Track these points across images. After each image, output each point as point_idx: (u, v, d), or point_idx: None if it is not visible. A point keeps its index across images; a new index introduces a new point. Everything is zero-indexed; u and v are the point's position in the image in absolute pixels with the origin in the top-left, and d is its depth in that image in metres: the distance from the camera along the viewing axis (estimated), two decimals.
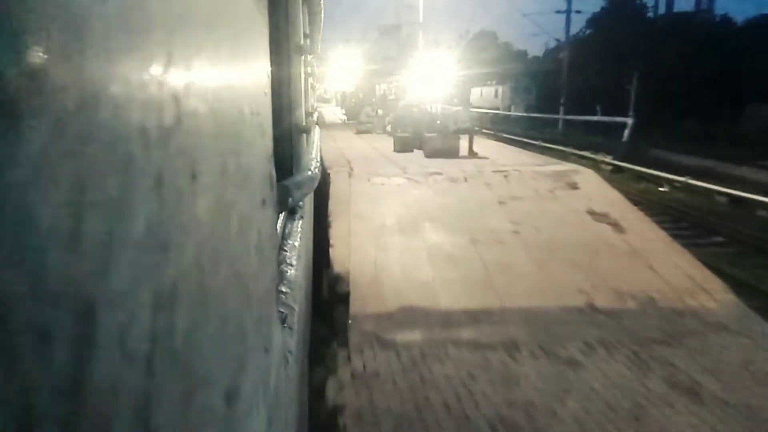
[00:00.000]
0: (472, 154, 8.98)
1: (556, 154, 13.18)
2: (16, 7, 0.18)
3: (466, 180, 6.29)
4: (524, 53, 49.33)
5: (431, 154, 8.72)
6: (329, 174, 6.31)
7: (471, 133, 9.18)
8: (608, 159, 13.83)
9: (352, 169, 6.93)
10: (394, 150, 9.62)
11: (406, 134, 10.17)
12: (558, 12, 26.06)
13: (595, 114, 20.97)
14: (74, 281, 0.22)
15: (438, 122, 9.99)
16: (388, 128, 14.54)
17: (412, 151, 9.64)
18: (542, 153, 11.39)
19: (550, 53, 43.23)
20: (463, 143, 9.24)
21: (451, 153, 8.84)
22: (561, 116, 20.37)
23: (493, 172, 6.69)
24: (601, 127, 20.48)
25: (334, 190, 5.65)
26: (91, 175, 0.23)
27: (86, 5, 0.23)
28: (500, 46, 46.10)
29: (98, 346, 0.24)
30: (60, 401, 0.21)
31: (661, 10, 29.48)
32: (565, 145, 16.76)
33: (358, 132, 15.54)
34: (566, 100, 23.59)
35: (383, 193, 5.65)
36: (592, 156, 14.47)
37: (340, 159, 8.21)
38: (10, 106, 0.18)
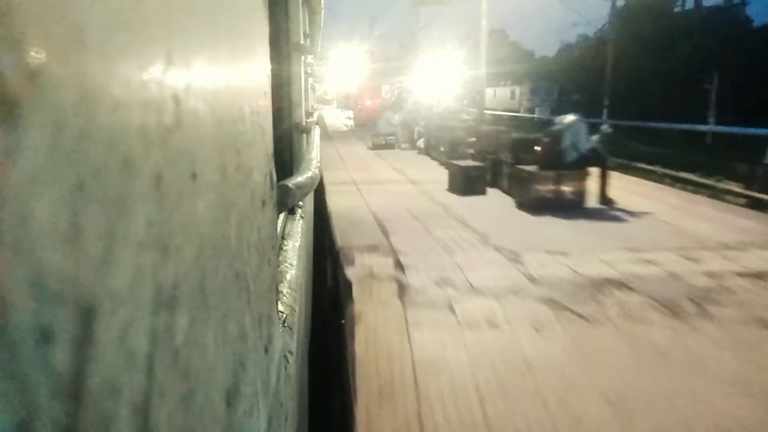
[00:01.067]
0: (607, 202, 5.57)
1: (643, 174, 9.39)
2: (16, 6, 0.18)
3: (706, 314, 2.67)
4: (531, 53, 51.47)
5: (535, 205, 5.21)
6: (348, 286, 2.97)
7: (605, 166, 5.65)
8: (735, 187, 8.96)
9: (401, 266, 3.27)
10: (451, 189, 6.18)
11: (469, 163, 6.63)
12: None
13: (635, 117, 19.32)
14: (74, 281, 0.22)
15: (538, 145, 6.00)
16: (420, 144, 11.07)
17: (484, 192, 6.11)
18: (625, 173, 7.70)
19: (564, 52, 43.66)
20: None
21: (572, 202, 5.35)
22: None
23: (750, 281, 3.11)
24: (649, 135, 18.49)
25: (366, 358, 2.24)
26: (90, 175, 0.24)
27: (86, 4, 0.23)
28: (509, 46, 48.04)
29: (98, 347, 0.25)
30: (59, 402, 0.21)
31: (689, 5, 29.68)
32: (650, 163, 12.95)
33: (375, 147, 11.89)
34: (604, 101, 21.43)
35: (514, 378, 2.09)
36: (707, 182, 9.98)
37: (362, 217, 4.44)
38: (10, 106, 0.18)
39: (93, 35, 0.26)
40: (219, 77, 0.52)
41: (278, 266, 1.03)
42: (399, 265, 3.28)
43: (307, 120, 1.80)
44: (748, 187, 8.58)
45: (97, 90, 0.27)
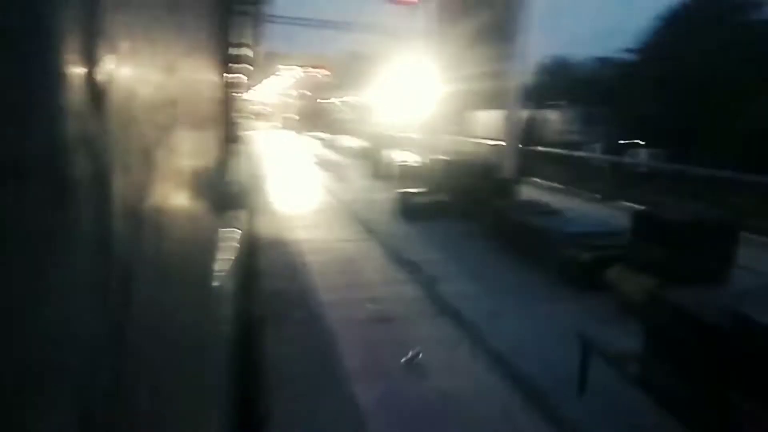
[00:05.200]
0: None
1: None
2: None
3: None
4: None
5: None
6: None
7: None
8: None
9: None
10: None
11: None
12: None
13: None
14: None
15: None
16: None
17: None
18: None
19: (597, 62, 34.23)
20: None
21: None
22: None
23: None
24: None
25: None
26: (15, 186, 0.32)
27: None
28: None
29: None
30: None
31: None
32: None
33: None
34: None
35: None
36: None
37: None
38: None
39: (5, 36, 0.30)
40: (148, 85, 0.55)
41: (213, 272, 1.05)
42: None
43: (234, 131, 1.82)
44: None
45: (17, 92, 0.31)
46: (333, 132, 28.79)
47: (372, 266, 6.78)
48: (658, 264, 4.67)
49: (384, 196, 11.66)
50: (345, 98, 30.48)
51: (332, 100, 32.95)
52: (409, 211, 9.55)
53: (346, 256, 7.21)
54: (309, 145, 26.53)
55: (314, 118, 35.29)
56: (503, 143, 9.56)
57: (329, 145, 25.65)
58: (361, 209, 10.59)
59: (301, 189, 13.10)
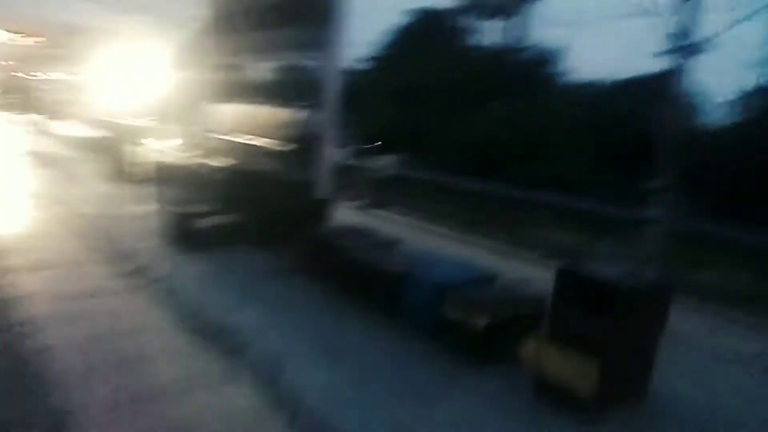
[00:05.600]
0: None
1: None
2: None
3: None
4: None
5: None
6: None
7: None
8: None
9: None
10: None
11: None
12: None
13: None
14: None
15: None
16: None
17: None
18: None
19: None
20: None
21: None
22: None
23: None
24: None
25: None
26: None
27: None
28: None
29: None
30: None
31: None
32: None
33: None
34: None
35: None
36: None
37: None
38: None
39: None
40: None
41: None
42: None
43: None
44: None
45: None
46: (47, 114, 24.10)
47: (158, 344, 4.15)
48: (592, 338, 3.52)
49: (141, 208, 8.87)
50: (64, 75, 25.96)
51: (47, 75, 28.10)
52: (187, 235, 7.05)
53: (107, 325, 4.41)
54: (16, 131, 21.76)
55: (22, 95, 30.16)
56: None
57: (45, 132, 21.26)
58: (113, 231, 7.43)
59: (11, 197, 9.23)
